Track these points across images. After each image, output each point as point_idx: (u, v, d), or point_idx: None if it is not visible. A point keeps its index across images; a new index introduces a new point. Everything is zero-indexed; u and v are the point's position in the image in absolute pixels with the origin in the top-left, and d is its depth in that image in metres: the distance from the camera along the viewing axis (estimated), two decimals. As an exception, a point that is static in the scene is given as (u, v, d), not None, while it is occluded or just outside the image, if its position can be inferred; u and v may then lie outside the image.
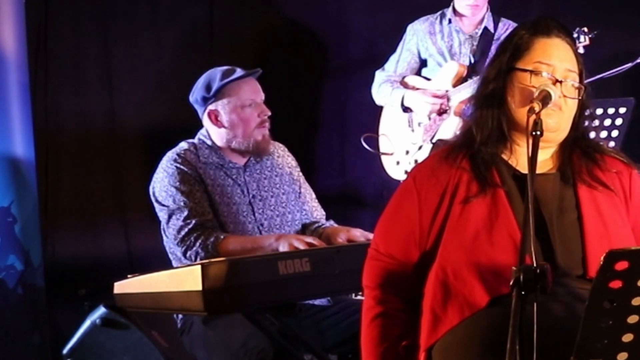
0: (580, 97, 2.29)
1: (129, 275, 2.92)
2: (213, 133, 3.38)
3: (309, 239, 3.06)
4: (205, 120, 3.38)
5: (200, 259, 3.12)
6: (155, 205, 3.31)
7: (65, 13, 4.92)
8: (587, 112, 2.35)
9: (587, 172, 2.29)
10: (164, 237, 3.32)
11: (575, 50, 2.32)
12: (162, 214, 3.27)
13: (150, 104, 5.11)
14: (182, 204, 3.22)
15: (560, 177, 2.30)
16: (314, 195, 3.55)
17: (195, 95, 3.38)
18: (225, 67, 3.38)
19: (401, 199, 2.37)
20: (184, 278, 2.68)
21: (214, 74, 3.35)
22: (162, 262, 3.33)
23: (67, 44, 4.93)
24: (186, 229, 3.18)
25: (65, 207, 4.93)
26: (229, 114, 3.33)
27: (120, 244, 4.97)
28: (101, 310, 3.55)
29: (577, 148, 2.33)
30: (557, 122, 2.26)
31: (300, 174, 3.55)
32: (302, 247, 3.01)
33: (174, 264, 3.30)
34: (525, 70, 2.26)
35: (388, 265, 2.34)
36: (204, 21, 5.23)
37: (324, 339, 3.23)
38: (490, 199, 2.24)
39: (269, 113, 3.37)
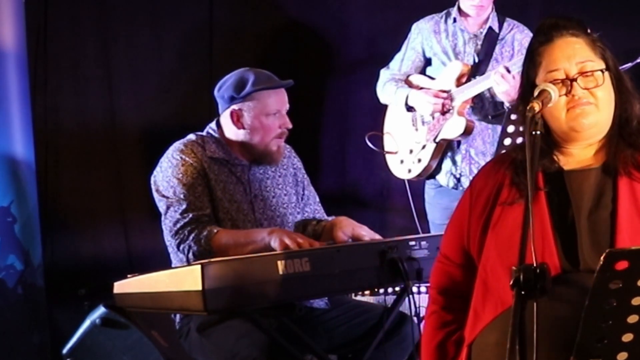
0: (604, 82, 2.25)
1: (128, 275, 2.92)
2: (229, 130, 3.37)
3: (299, 239, 3.05)
4: (225, 117, 3.36)
5: (193, 253, 3.13)
6: (155, 195, 3.30)
7: (65, 13, 4.92)
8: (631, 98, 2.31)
9: (632, 162, 2.25)
10: (164, 230, 3.31)
11: (585, 37, 2.30)
12: (160, 204, 3.26)
13: (150, 104, 5.11)
14: (181, 196, 3.21)
15: (602, 172, 2.27)
16: (317, 199, 3.55)
17: (223, 91, 3.36)
18: (258, 71, 3.37)
19: (460, 202, 2.47)
20: (183, 278, 2.67)
21: (247, 76, 3.33)
22: (162, 262, 3.32)
23: (67, 44, 4.93)
24: (182, 222, 3.18)
25: (65, 207, 4.93)
26: (252, 118, 3.32)
27: (120, 244, 4.97)
28: (101, 310, 3.55)
29: (622, 139, 2.29)
30: (594, 119, 2.25)
31: (305, 176, 3.55)
32: (291, 244, 3.00)
33: (172, 257, 3.30)
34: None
35: (446, 267, 2.45)
36: (204, 21, 5.23)
37: (324, 340, 3.22)
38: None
39: (290, 126, 3.37)
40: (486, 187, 2.37)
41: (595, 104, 2.25)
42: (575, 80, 2.24)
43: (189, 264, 3.12)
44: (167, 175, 3.27)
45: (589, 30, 2.32)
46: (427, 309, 2.47)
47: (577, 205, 2.24)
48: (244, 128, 3.33)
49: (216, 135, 3.37)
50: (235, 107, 3.33)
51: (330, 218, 3.44)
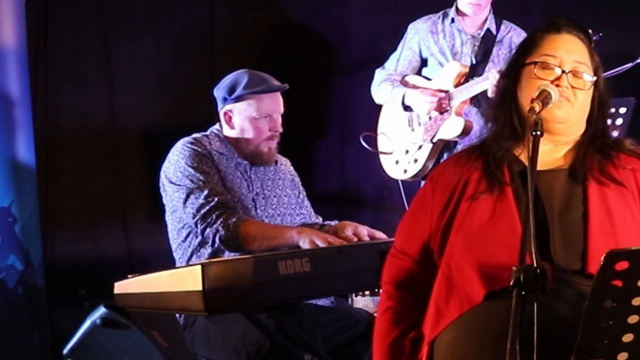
0: (589, 89, 2.29)
1: (129, 275, 2.92)
2: (225, 130, 3.43)
3: (330, 239, 3.06)
4: (221, 117, 3.43)
5: (220, 238, 3.14)
6: (169, 187, 3.28)
7: (66, 13, 4.92)
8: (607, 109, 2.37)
9: (599, 169, 2.28)
10: (170, 225, 3.32)
11: (588, 46, 2.34)
12: (177, 195, 3.24)
13: (150, 104, 5.11)
14: (200, 182, 3.22)
15: (570, 174, 2.30)
16: (310, 206, 3.59)
17: (218, 92, 3.43)
18: (254, 73, 3.41)
19: (418, 198, 2.44)
20: (184, 278, 2.67)
21: (241, 78, 3.37)
22: (162, 262, 3.33)
23: (67, 44, 4.93)
24: (208, 207, 3.17)
25: (65, 207, 4.93)
26: (242, 120, 3.37)
27: (120, 244, 4.97)
28: (101, 310, 3.55)
29: (593, 146, 2.33)
30: (566, 114, 2.28)
31: (300, 183, 3.59)
32: (322, 245, 3.01)
33: (176, 252, 3.30)
34: (533, 63, 2.29)
35: (402, 262, 2.41)
36: (204, 21, 5.24)
37: (322, 339, 3.22)
38: (497, 196, 2.26)
39: (280, 130, 3.41)
40: (450, 182, 2.34)
41: (572, 103, 2.28)
42: (566, 73, 2.27)
43: (212, 246, 3.16)
44: (180, 166, 3.27)
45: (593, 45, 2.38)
46: (382, 305, 2.41)
47: (549, 206, 2.25)
48: (234, 128, 3.39)
49: (220, 134, 3.42)
50: (227, 107, 3.39)
51: (333, 223, 3.45)
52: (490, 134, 2.37)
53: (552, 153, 2.33)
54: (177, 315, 3.31)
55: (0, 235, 4.44)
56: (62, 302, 4.64)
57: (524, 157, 2.32)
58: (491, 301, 2.14)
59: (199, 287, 2.59)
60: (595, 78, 2.31)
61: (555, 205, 2.25)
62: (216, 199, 3.18)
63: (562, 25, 2.33)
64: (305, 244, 3.04)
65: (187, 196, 3.22)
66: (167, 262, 3.33)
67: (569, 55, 2.29)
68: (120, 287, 2.94)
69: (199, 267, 2.61)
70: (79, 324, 3.62)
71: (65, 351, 3.63)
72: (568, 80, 2.27)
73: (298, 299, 2.98)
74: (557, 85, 2.27)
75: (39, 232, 4.60)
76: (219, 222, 3.15)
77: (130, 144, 5.08)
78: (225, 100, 3.39)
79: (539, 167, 2.27)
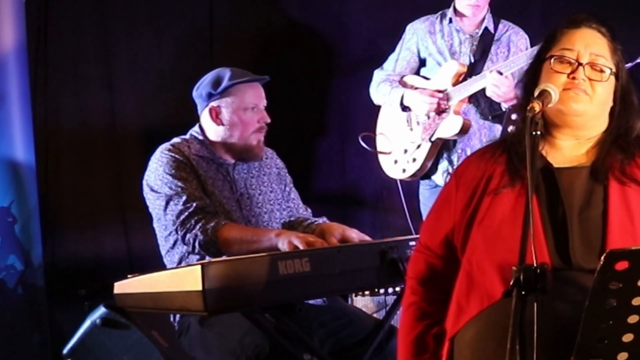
0: (607, 80, 2.29)
1: (129, 275, 2.92)
2: (209, 129, 3.40)
3: (310, 238, 3.06)
4: (205, 116, 3.41)
5: (199, 243, 3.14)
6: (150, 195, 3.29)
7: (65, 13, 4.92)
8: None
9: (621, 168, 2.27)
10: (157, 232, 3.32)
11: (610, 40, 2.34)
12: (158, 202, 3.26)
13: (150, 104, 5.11)
14: (179, 189, 3.22)
15: (592, 172, 2.28)
16: (298, 196, 3.58)
17: (201, 90, 3.42)
18: (234, 68, 3.42)
19: (442, 193, 2.45)
20: (184, 278, 2.67)
21: (224, 73, 3.39)
22: (162, 262, 3.33)
23: (67, 44, 4.93)
24: (186, 213, 3.18)
25: (65, 207, 4.93)
26: (230, 114, 3.37)
27: (120, 244, 4.97)
28: (101, 310, 3.55)
29: (616, 145, 2.31)
30: (584, 107, 2.27)
31: (288, 175, 3.58)
32: (301, 245, 3.00)
33: (166, 258, 3.30)
34: (551, 57, 2.30)
35: (427, 257, 2.42)
36: (204, 21, 5.24)
37: (317, 340, 3.22)
38: (518, 192, 2.25)
39: (268, 120, 3.41)
40: (474, 177, 2.35)
41: (590, 96, 2.28)
42: (582, 65, 2.28)
43: (193, 252, 3.16)
44: (159, 174, 3.28)
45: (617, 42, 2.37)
46: (406, 300, 2.43)
47: (569, 204, 2.24)
48: (222, 124, 3.38)
49: (200, 137, 3.41)
50: (213, 103, 3.38)
51: (320, 220, 3.44)
52: (514, 129, 2.37)
53: (575, 149, 2.32)
54: (172, 321, 3.31)
55: (0, 235, 4.44)
56: (62, 302, 4.64)
57: (550, 154, 2.31)
58: (510, 298, 2.14)
59: (199, 287, 2.59)
60: (613, 70, 2.30)
61: (575, 203, 2.24)
62: (194, 204, 3.19)
63: (581, 20, 2.33)
64: (284, 246, 3.04)
65: (167, 203, 3.23)
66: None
67: (587, 48, 2.29)
68: (120, 287, 2.94)
69: (199, 267, 2.61)
70: (79, 324, 3.62)
71: (65, 351, 3.63)
72: (585, 73, 2.27)
73: (298, 299, 2.98)
74: (574, 78, 2.27)
75: (39, 232, 4.60)
76: (197, 227, 3.15)
77: (130, 144, 5.08)
78: (210, 96, 3.38)
79: (559, 164, 2.30)
